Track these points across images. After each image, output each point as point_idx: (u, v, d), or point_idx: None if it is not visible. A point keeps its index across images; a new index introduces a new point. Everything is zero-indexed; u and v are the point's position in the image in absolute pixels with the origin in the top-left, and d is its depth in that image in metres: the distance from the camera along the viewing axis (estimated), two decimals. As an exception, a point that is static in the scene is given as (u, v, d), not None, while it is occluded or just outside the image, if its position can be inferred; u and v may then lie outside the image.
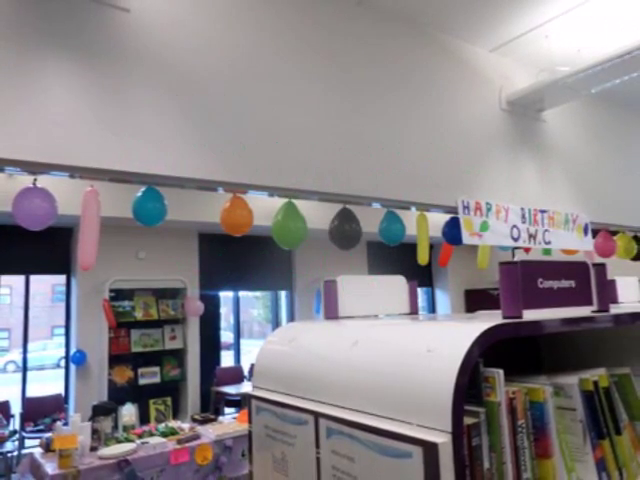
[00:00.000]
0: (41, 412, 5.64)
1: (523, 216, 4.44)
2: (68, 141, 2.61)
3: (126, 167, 2.75)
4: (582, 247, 4.94)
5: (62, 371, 6.45)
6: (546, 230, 4.60)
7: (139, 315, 6.30)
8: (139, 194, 3.09)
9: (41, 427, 5.46)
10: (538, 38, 4.40)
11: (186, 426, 4.22)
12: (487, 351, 0.94)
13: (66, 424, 4.21)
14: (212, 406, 6.51)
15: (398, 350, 1.05)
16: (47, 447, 3.68)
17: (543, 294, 1.12)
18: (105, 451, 3.56)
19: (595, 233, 5.30)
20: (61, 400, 5.91)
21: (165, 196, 3.14)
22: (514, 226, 4.35)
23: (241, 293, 7.73)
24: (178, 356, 6.57)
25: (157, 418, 6.18)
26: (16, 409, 5.65)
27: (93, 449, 3.61)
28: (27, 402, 5.76)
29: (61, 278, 6.36)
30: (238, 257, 7.13)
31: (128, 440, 3.82)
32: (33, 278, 6.30)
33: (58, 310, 9.31)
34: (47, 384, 6.93)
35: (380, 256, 8.07)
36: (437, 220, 4.43)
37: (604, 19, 4.13)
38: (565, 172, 5.16)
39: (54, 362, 14.00)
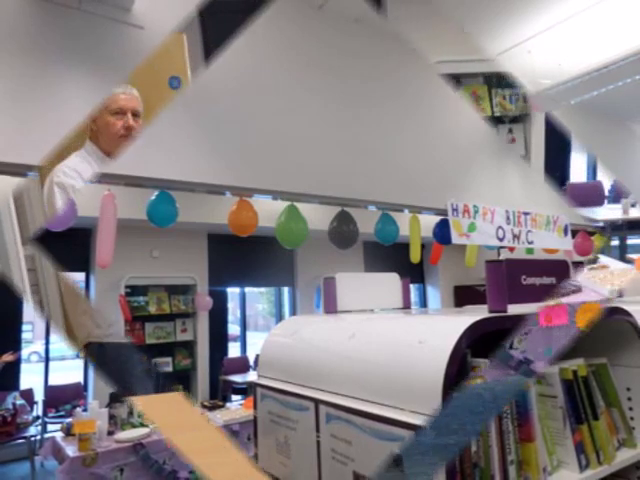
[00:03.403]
0: (62, 399, 5.63)
1: (508, 218, 4.44)
2: (87, 148, 2.60)
3: (141, 172, 2.75)
4: (562, 246, 4.93)
5: (81, 361, 6.45)
6: (529, 231, 4.60)
7: (153, 309, 6.29)
8: (153, 197, 3.08)
9: (62, 413, 5.45)
10: (522, 53, 4.40)
11: (196, 412, 4.22)
12: (474, 343, 0.94)
13: (85, 410, 4.20)
14: (220, 393, 6.50)
15: (392, 342, 1.05)
16: (68, 431, 3.68)
17: (526, 290, 1.12)
18: (121, 435, 3.55)
19: (574, 233, 5.29)
20: (80, 388, 5.91)
21: (177, 199, 3.13)
22: (499, 227, 4.35)
23: (247, 289, 7.73)
24: (189, 347, 6.56)
25: (169, 405, 6.17)
26: (39, 396, 5.64)
27: (110, 433, 3.60)
28: (49, 390, 5.76)
29: (80, 275, 6.35)
30: (244, 256, 7.12)
31: (142, 425, 3.81)
32: (55, 275, 6.28)
33: (78, 305, 9.27)
34: (68, 373, 6.90)
35: (376, 255, 8.05)
36: (428, 221, 4.42)
37: (582, 36, 4.13)
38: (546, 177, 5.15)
39: (74, 353, 13.99)
